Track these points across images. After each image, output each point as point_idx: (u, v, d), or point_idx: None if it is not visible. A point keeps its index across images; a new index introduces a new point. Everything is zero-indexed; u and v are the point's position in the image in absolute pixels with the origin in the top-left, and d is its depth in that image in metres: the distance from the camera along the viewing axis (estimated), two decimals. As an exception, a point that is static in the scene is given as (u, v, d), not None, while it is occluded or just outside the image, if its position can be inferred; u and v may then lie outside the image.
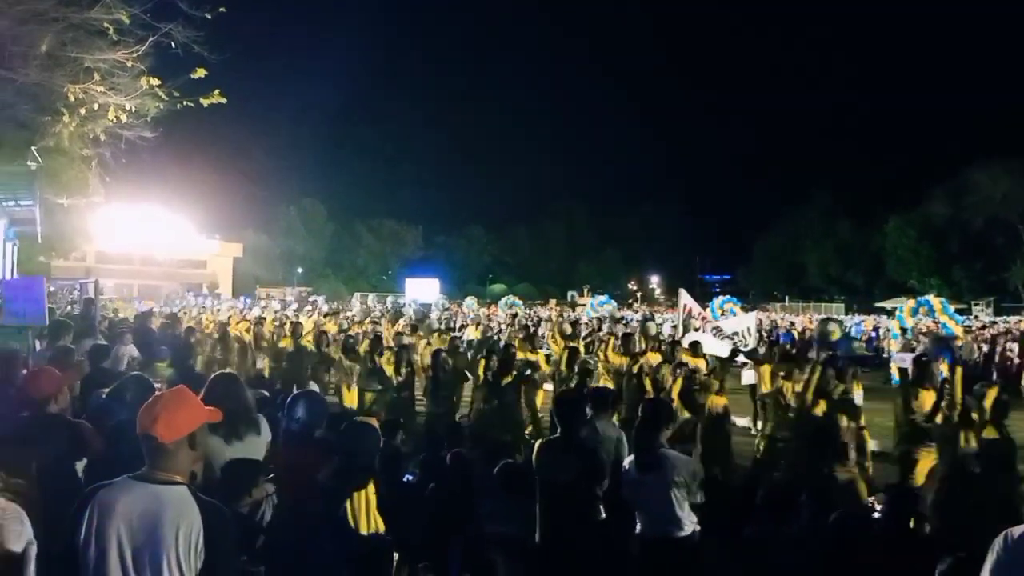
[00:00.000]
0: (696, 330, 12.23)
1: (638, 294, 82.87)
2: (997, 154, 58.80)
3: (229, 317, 18.92)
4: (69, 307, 18.70)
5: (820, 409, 7.44)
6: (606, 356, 10.80)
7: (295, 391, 5.72)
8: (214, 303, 33.15)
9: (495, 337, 17.15)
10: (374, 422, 4.87)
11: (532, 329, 17.10)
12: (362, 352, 11.37)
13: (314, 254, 79.33)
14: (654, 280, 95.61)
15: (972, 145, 66.89)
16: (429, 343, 13.54)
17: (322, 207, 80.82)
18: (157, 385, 4.87)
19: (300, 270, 74.25)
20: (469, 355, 13.24)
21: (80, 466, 4.05)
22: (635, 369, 9.79)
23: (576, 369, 9.71)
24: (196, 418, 2.68)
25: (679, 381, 8.52)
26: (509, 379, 9.58)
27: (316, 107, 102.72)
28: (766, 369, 10.07)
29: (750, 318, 13.27)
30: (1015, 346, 21.17)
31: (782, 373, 8.89)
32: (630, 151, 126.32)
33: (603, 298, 35.71)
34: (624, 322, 26.62)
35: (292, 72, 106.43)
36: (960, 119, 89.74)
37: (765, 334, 26.03)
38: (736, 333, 11.98)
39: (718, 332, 11.92)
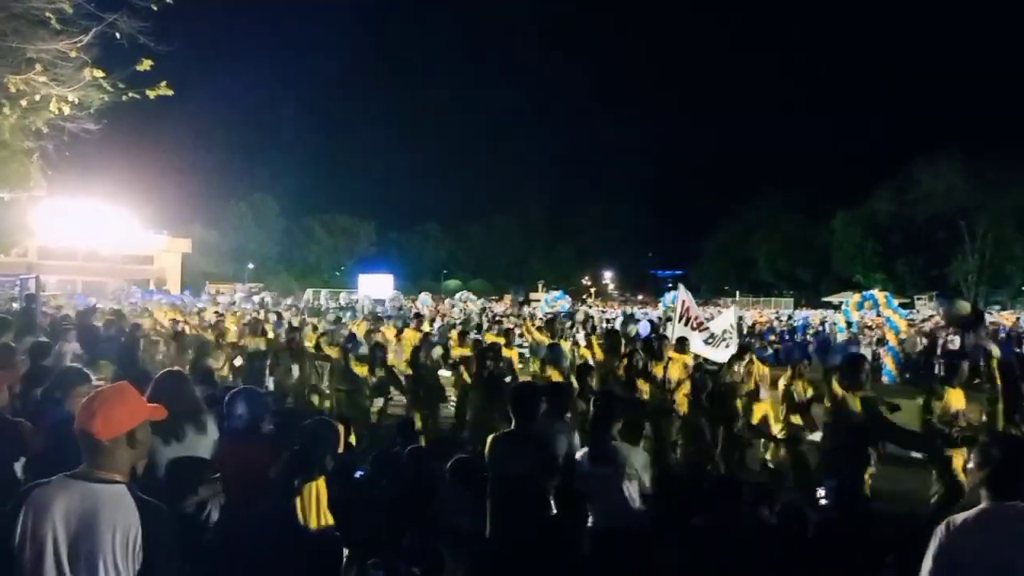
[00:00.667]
0: (692, 331, 11.56)
1: (592, 289, 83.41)
2: (939, 151, 60.34)
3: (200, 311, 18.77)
4: (10, 304, 18.19)
5: (855, 404, 6.98)
6: (592, 353, 10.66)
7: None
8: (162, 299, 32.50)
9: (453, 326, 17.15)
10: (336, 422, 4.83)
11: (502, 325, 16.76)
12: (335, 354, 11.11)
13: (265, 250, 78.30)
14: (607, 275, 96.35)
15: (916, 142, 68.92)
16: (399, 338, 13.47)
17: (273, 202, 79.81)
18: (99, 382, 4.77)
19: (251, 266, 73.23)
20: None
21: (19, 466, 3.96)
22: (620, 370, 9.52)
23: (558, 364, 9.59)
24: (136, 415, 2.62)
25: (685, 384, 8.26)
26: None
27: (268, 100, 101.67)
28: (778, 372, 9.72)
29: (730, 315, 12.98)
30: (956, 338, 21.77)
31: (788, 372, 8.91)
32: (584, 148, 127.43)
33: (557, 293, 35.91)
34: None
35: (244, 64, 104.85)
36: (904, 117, 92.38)
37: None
38: (725, 331, 11.73)
39: (711, 338, 11.46)
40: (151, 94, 10.76)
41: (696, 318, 11.76)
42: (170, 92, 10.82)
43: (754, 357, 10.39)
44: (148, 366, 10.80)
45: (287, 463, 3.89)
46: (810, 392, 8.64)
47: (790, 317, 36.04)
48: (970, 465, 6.88)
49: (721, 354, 11.10)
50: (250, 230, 76.86)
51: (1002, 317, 34.20)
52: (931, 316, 34.65)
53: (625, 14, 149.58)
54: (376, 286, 52.42)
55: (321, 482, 4.29)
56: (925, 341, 21.73)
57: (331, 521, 4.30)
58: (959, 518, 2.98)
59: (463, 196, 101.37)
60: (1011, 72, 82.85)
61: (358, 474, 5.62)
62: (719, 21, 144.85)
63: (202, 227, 69.80)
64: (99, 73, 10.73)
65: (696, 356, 10.65)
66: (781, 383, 9.24)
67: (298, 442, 4.22)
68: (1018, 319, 29.33)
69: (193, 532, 3.31)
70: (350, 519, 4.54)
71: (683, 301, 11.97)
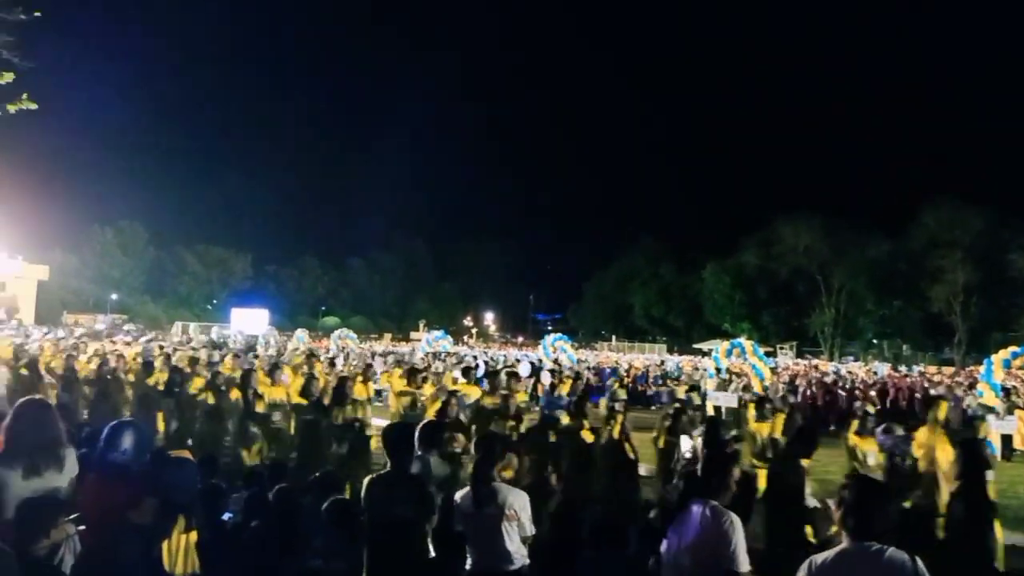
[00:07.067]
0: None
1: (473, 330, 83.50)
2: (801, 210, 64.53)
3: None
4: None
5: None
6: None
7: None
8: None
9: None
10: (188, 455, 4.59)
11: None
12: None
13: (131, 279, 74.42)
14: (488, 317, 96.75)
15: (781, 200, 73.52)
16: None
17: (143, 229, 76.18)
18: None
19: (115, 296, 69.29)
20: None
21: None
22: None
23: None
24: None
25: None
26: None
27: (141, 123, 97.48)
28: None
29: None
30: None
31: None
32: (470, 188, 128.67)
33: (438, 333, 35.75)
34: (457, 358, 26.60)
35: (116, 82, 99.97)
36: (772, 176, 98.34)
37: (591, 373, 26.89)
38: None
39: None
40: (12, 108, 10.24)
41: None
42: (33, 106, 10.30)
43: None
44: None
45: (155, 507, 3.64)
46: None
47: (663, 362, 37.16)
48: (832, 507, 7.34)
49: None
50: (115, 258, 73.00)
51: (853, 369, 36.51)
52: (796, 364, 36.52)
53: (522, 60, 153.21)
54: (250, 321, 50.64)
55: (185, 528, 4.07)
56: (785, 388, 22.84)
57: (197, 567, 4.07)
58: (819, 558, 3.14)
59: (344, 231, 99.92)
60: (867, 143, 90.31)
61: (226, 516, 5.34)
62: (614, 71, 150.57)
63: (63, 253, 65.65)
64: (-46, 85, 10.09)
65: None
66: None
67: (162, 484, 3.98)
68: (869, 369, 31.29)
69: (43, 579, 3.06)
70: (217, 563, 4.31)
71: None
